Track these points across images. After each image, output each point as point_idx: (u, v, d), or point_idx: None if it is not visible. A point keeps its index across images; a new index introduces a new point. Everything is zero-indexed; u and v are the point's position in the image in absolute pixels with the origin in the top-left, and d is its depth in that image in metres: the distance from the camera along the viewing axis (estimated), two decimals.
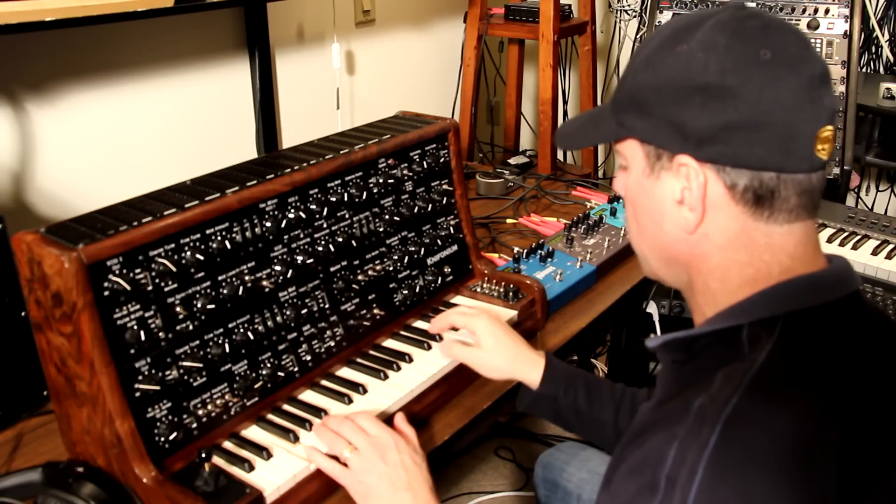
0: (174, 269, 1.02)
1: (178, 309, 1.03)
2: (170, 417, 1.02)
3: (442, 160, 1.44)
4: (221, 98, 1.98)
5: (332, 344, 1.22)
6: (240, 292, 1.09)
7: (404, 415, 1.10)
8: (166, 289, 1.02)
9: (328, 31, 2.23)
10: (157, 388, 1.00)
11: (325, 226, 1.23)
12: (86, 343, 0.95)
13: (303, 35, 2.18)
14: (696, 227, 0.80)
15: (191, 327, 1.05)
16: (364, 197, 1.29)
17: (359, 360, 1.25)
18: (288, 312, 1.16)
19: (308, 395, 1.17)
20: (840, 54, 2.22)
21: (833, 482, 0.67)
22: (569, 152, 3.13)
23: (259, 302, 1.13)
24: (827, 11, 2.25)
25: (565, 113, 2.98)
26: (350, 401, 1.15)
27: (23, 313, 1.17)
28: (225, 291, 1.08)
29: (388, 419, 1.10)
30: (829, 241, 2.02)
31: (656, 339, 0.85)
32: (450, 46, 2.76)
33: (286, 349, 1.16)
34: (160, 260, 1.01)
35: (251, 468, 1.02)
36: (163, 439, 1.01)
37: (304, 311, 1.18)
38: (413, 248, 1.37)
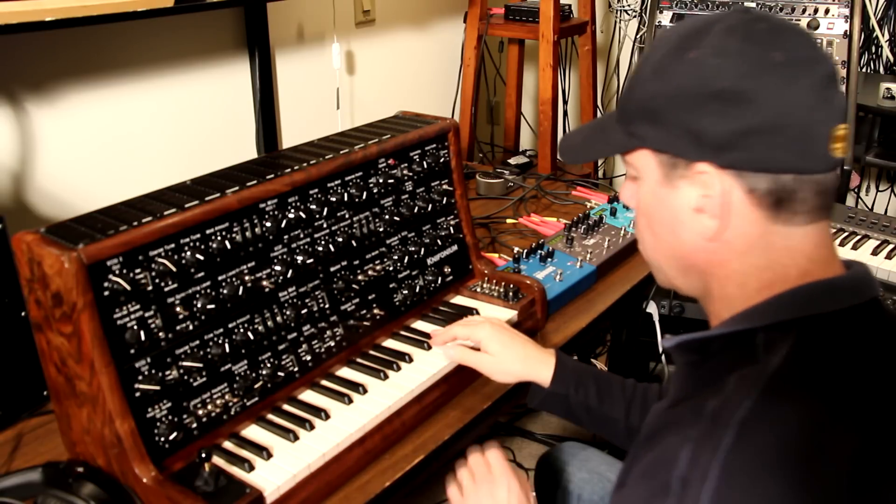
0: (174, 269, 1.02)
1: (178, 309, 1.03)
2: (170, 417, 1.02)
3: (442, 160, 1.44)
4: (221, 98, 1.98)
5: (332, 344, 1.22)
6: (240, 292, 1.09)
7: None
8: (166, 289, 1.02)
9: (328, 31, 2.23)
10: (157, 388, 1.00)
11: (325, 226, 1.23)
12: (86, 343, 0.95)
13: (303, 35, 2.18)
14: (716, 234, 0.79)
15: (191, 327, 1.05)
16: (364, 197, 1.29)
17: (359, 360, 1.25)
18: (288, 312, 1.16)
19: (308, 395, 1.17)
20: (840, 54, 2.22)
21: (845, 487, 0.66)
22: None
23: (259, 302, 1.13)
24: (827, 11, 2.25)
25: (565, 113, 2.98)
26: (350, 401, 1.15)
27: (23, 313, 1.17)
28: (225, 291, 1.08)
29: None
30: None
31: (671, 339, 0.85)
32: (450, 46, 2.76)
33: (286, 349, 1.16)
34: (160, 260, 1.01)
35: (251, 468, 1.02)
36: (163, 439, 1.01)
37: (304, 311, 1.18)
38: (413, 248, 1.37)
